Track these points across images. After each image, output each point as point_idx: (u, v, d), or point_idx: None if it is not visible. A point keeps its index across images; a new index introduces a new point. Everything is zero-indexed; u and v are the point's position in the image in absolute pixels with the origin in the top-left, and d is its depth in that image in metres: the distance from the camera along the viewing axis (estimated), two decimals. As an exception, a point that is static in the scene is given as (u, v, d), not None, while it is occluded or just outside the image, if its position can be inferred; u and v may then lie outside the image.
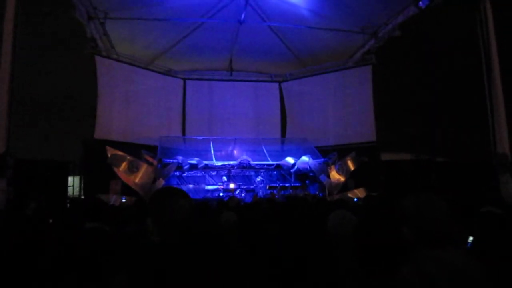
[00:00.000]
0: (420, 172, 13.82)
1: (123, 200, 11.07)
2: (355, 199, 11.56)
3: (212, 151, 14.94)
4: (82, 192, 13.26)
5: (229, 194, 13.23)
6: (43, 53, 15.43)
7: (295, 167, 14.35)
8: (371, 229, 1.84)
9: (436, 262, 1.62)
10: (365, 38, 15.20)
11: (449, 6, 11.55)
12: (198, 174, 14.85)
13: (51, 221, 4.43)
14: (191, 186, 14.30)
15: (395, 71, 16.49)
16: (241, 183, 14.40)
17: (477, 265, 1.67)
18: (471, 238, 2.95)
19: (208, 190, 14.26)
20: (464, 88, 13.97)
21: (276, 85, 18.41)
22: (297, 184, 14.89)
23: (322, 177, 13.78)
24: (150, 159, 13.12)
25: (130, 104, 14.99)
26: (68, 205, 9.82)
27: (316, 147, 15.22)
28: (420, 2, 11.66)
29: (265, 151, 15.30)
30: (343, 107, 16.31)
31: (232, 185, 13.98)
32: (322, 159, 14.25)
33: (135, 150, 13.37)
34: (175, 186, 14.08)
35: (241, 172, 15.13)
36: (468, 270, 1.63)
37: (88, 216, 3.34)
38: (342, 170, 14.01)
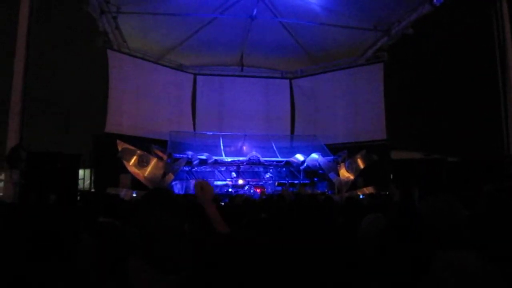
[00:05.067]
0: (431, 171, 13.70)
1: (134, 195, 11.15)
2: (361, 196, 11.48)
3: (222, 146, 14.95)
4: (92, 185, 13.38)
5: (238, 190, 13.26)
6: (56, 47, 15.56)
7: (305, 164, 14.31)
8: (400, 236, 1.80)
9: (451, 267, 1.61)
10: (378, 35, 15.06)
11: (463, 3, 11.40)
12: (208, 169, 14.89)
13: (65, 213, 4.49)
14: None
15: (407, 69, 16.32)
16: (250, 179, 14.42)
17: (493, 269, 1.64)
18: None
19: (217, 186, 14.30)
20: (478, 86, 13.78)
21: (286, 81, 18.35)
22: (306, 181, 14.86)
23: (331, 175, 13.73)
24: (160, 154, 13.19)
25: (141, 98, 15.07)
26: (79, 198, 9.92)
27: (326, 145, 15.14)
28: (435, 0, 11.50)
29: (274, 147, 15.27)
30: (354, 104, 16.19)
31: (241, 181, 14.01)
32: (332, 157, 14.19)
33: (146, 144, 13.46)
34: (184, 181, 14.15)
35: (250, 168, 15.14)
36: (482, 274, 1.61)
37: (101, 211, 3.38)
38: (351, 168, 13.95)
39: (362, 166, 13.98)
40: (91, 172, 13.68)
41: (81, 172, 13.47)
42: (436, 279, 1.58)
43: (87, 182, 14.24)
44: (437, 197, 1.75)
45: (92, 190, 13.07)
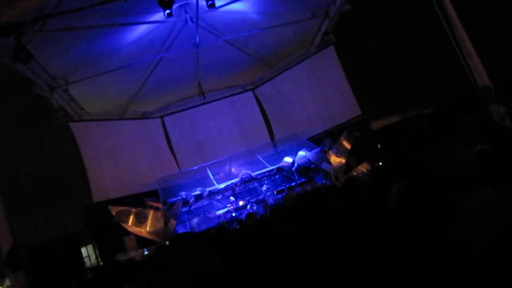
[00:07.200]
0: (413, 128, 13.97)
1: (146, 252, 10.94)
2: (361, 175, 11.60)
3: (211, 176, 14.86)
4: (99, 259, 13.06)
5: (242, 211, 13.17)
6: (17, 131, 15.31)
7: (295, 165, 14.35)
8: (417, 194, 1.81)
9: (475, 206, 1.64)
10: (319, 21, 15.39)
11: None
12: (205, 203, 14.66)
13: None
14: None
15: (358, 42, 16.71)
16: (249, 197, 14.32)
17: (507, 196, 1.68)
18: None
19: (219, 216, 14.12)
20: (429, 38, 14.16)
21: (250, 93, 18.46)
22: (303, 180, 14.86)
23: (324, 165, 13.80)
24: (155, 204, 13.00)
25: (118, 158, 14.89)
26: (90, 276, 9.65)
27: (308, 139, 15.26)
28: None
29: (261, 159, 15.28)
30: (320, 92, 16.44)
31: (241, 202, 13.88)
32: (318, 148, 14.29)
33: (137, 200, 13.26)
34: (187, 222, 13.95)
35: (246, 187, 15.01)
36: (502, 204, 1.64)
37: (122, 280, 3.31)
38: (340, 152, 14.06)
39: (349, 147, 14.13)
40: (93, 246, 13.38)
41: (83, 250, 13.18)
42: (465, 222, 1.61)
43: (93, 257, 13.88)
44: (442, 146, 1.80)
45: (101, 263, 12.76)
